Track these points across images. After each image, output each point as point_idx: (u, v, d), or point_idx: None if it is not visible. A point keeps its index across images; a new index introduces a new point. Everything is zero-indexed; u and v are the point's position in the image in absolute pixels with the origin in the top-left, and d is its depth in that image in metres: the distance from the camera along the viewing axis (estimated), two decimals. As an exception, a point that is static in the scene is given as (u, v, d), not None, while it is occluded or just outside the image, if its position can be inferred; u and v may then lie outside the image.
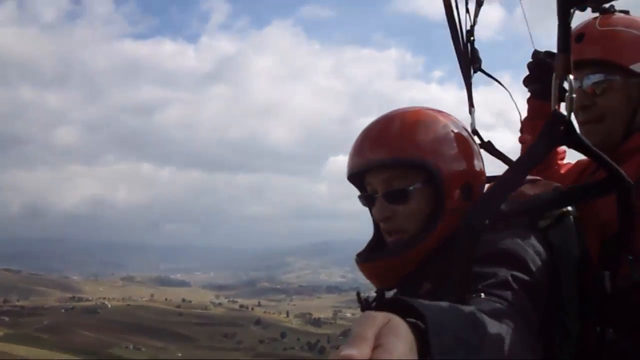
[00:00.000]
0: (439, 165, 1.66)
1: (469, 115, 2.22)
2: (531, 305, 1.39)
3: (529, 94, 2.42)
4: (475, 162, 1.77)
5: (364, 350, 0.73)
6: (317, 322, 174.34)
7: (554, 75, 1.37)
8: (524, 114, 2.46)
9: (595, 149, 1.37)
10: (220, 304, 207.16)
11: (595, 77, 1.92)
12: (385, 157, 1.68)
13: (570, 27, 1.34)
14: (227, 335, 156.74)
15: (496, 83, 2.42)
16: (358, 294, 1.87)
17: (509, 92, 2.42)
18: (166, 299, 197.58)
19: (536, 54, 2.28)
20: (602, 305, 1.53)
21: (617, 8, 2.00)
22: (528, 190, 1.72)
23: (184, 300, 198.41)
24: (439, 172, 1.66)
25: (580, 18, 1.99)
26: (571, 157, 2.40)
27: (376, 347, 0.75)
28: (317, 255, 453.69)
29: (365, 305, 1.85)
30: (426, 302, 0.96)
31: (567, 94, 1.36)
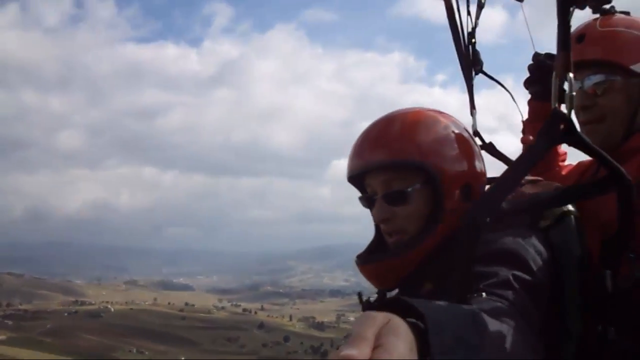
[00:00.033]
0: (438, 166, 1.67)
1: (471, 118, 2.23)
2: (532, 304, 1.39)
3: (530, 96, 2.43)
4: (476, 163, 1.77)
5: (364, 350, 0.73)
6: (320, 326, 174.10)
7: (554, 74, 1.38)
8: (526, 116, 2.47)
9: (595, 147, 1.38)
10: (223, 307, 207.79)
11: (596, 78, 1.92)
12: (384, 158, 1.69)
13: (569, 26, 1.34)
14: (231, 339, 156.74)
15: (499, 87, 2.43)
16: (360, 296, 1.88)
17: (510, 93, 2.43)
18: (169, 303, 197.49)
19: (536, 56, 2.28)
20: (604, 304, 1.52)
21: (617, 9, 2.00)
22: (529, 190, 1.73)
23: (187, 304, 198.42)
24: (437, 173, 1.66)
25: (581, 19, 2.01)
26: (572, 159, 2.38)
27: (376, 347, 0.74)
28: (320, 259, 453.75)
29: (366, 306, 1.85)
30: (426, 301, 0.96)
31: (566, 92, 1.36)
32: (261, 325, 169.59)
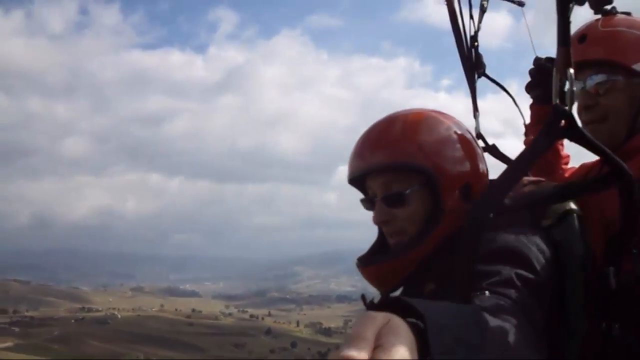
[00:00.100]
0: (437, 167, 1.67)
1: (474, 120, 2.26)
2: (535, 303, 1.39)
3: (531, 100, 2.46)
4: (477, 163, 1.77)
5: (364, 350, 0.73)
6: (327, 332, 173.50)
7: (554, 70, 1.38)
8: (528, 120, 2.50)
9: (597, 142, 1.37)
10: (230, 314, 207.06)
11: (598, 78, 1.93)
12: (384, 160, 1.70)
13: (569, 22, 1.34)
14: (238, 345, 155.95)
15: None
16: (363, 297, 1.85)
17: (511, 96, 2.49)
18: (176, 309, 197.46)
19: (537, 60, 2.30)
20: (607, 301, 1.53)
21: (619, 10, 2.03)
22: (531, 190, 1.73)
23: (194, 310, 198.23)
24: (436, 174, 1.67)
25: (583, 21, 2.04)
26: (575, 162, 2.41)
27: (376, 347, 0.74)
28: (327, 264, 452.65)
29: (370, 306, 1.79)
30: (426, 301, 0.95)
31: (567, 87, 1.35)
32: (268, 331, 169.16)
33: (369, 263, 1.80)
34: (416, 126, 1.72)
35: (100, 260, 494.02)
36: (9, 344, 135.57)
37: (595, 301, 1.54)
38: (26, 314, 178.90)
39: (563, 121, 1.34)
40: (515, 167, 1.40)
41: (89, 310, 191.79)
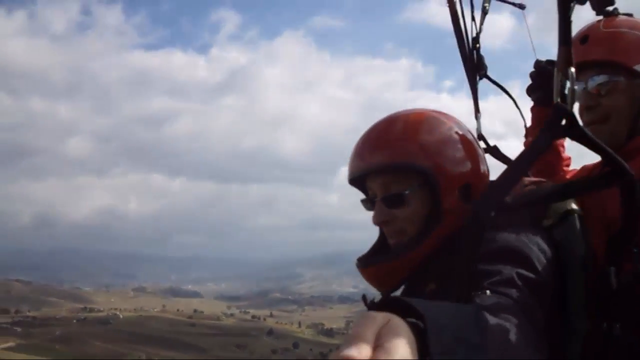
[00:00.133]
0: (437, 167, 1.67)
1: (476, 121, 2.28)
2: (536, 303, 1.38)
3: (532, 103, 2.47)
4: (477, 164, 1.77)
5: (364, 350, 0.72)
6: (329, 333, 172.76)
7: (555, 69, 1.38)
8: (529, 123, 2.52)
9: (598, 140, 1.36)
10: (232, 314, 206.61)
11: (600, 78, 1.93)
12: (383, 161, 1.70)
13: (570, 21, 1.34)
14: (240, 345, 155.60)
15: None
16: (364, 298, 1.85)
17: (512, 98, 2.50)
18: (178, 310, 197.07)
19: (538, 62, 2.32)
20: (608, 301, 1.53)
21: (620, 11, 2.04)
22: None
23: (195, 311, 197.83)
24: (435, 175, 1.67)
25: (585, 22, 2.06)
26: (577, 164, 2.44)
27: (376, 347, 0.74)
28: (329, 265, 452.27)
29: (370, 306, 1.80)
30: (426, 301, 0.95)
31: (568, 86, 1.35)
32: (270, 332, 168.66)
33: (368, 263, 1.80)
34: (417, 126, 1.72)
35: (102, 260, 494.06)
36: (10, 344, 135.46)
37: (596, 301, 1.54)
38: (28, 314, 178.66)
39: (564, 120, 1.32)
40: (516, 167, 1.39)
41: (91, 310, 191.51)
